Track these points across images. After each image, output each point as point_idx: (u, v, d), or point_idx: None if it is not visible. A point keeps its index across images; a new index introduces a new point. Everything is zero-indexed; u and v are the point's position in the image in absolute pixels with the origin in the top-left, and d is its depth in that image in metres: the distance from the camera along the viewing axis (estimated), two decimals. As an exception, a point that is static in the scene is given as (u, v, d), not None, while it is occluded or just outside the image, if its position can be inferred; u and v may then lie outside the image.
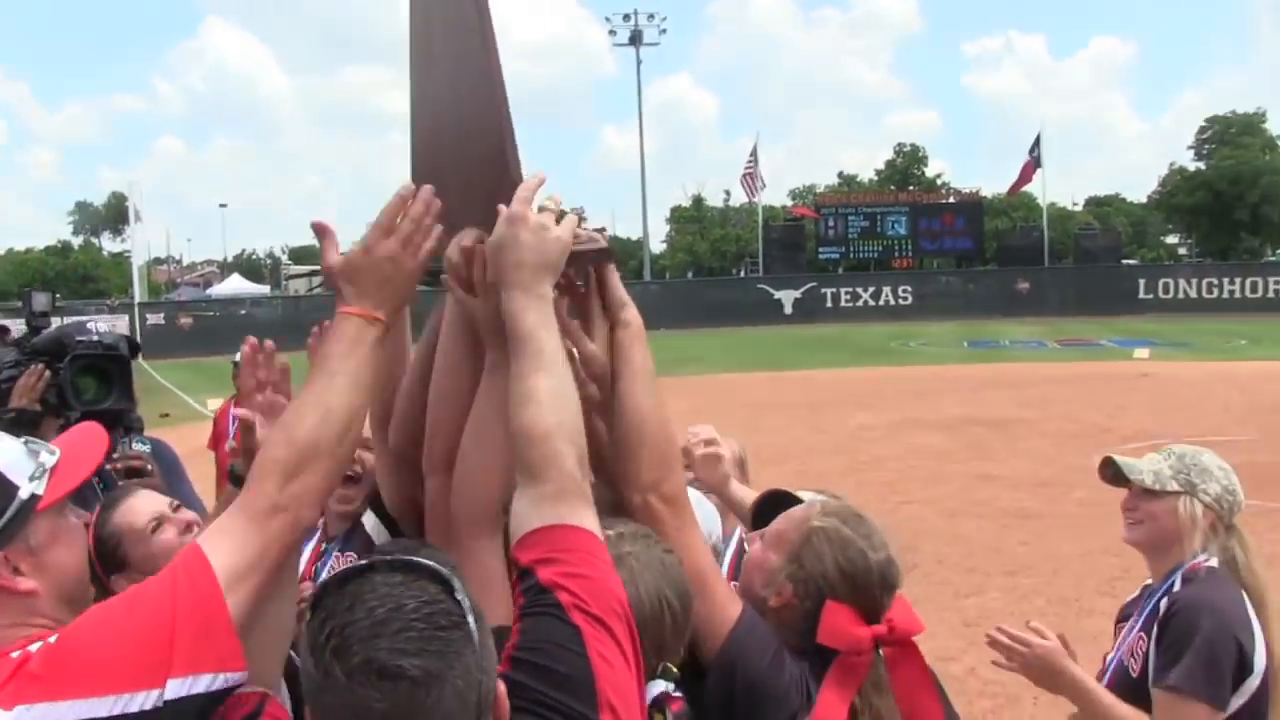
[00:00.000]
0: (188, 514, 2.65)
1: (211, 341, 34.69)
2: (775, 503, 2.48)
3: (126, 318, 39.91)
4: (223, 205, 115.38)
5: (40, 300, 3.89)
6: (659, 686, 1.83)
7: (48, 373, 3.24)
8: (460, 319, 2.09)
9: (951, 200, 59.41)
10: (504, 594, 1.82)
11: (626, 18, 61.85)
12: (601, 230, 2.13)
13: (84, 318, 3.84)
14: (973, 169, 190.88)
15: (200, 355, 33.80)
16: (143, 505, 2.59)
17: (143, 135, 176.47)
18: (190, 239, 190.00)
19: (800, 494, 2.67)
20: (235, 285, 59.18)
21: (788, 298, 50.80)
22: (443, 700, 1.34)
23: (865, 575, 2.06)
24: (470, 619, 1.38)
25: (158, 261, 79.83)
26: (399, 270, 1.85)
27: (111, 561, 2.45)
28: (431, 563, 1.41)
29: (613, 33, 62.63)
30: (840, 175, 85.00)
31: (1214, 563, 2.78)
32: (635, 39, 61.46)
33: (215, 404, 12.93)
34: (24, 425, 3.11)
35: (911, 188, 72.46)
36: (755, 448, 3.01)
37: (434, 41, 2.27)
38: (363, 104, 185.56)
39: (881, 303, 49.75)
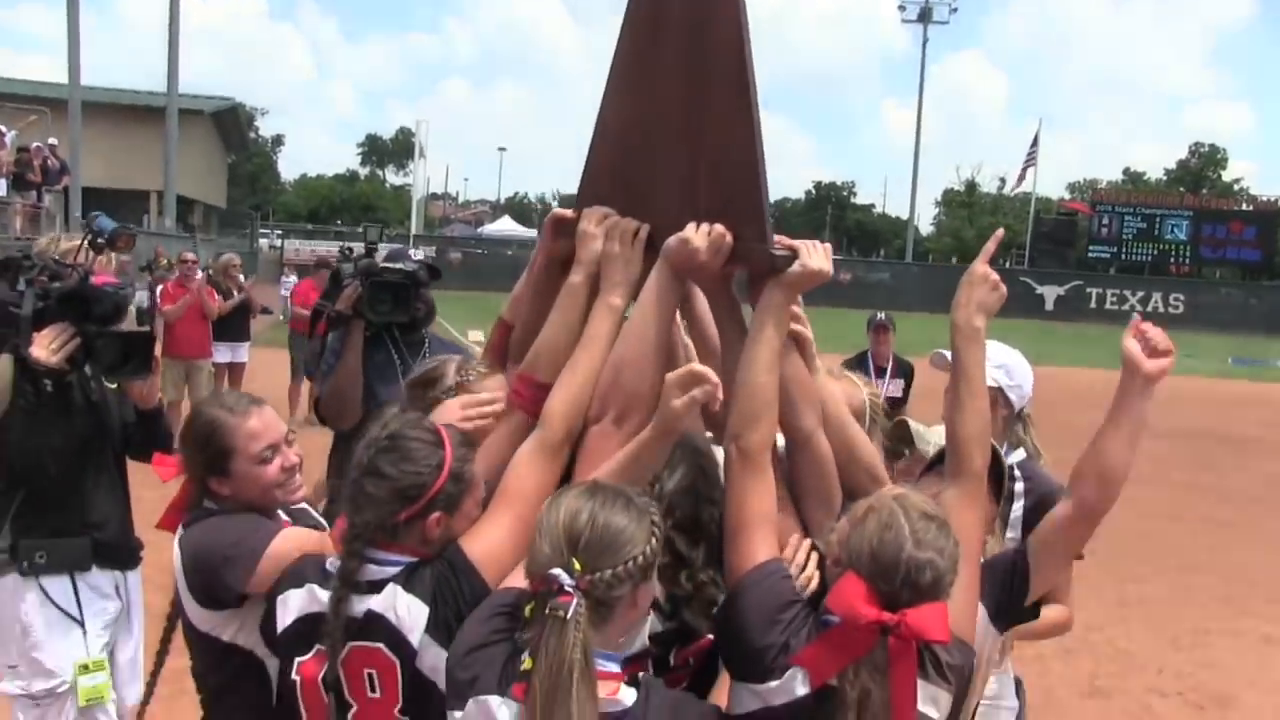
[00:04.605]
0: (296, 454, 2.72)
1: (478, 277, 36.82)
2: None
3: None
4: (501, 149, 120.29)
5: (372, 232, 5.17)
6: (552, 571, 1.89)
7: (361, 289, 4.22)
8: (671, 297, 2.40)
9: (1244, 207, 55.53)
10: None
11: (918, -6, 60.70)
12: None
13: (399, 245, 4.94)
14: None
15: (467, 290, 34.86)
16: (266, 427, 2.62)
17: (432, 75, 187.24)
18: (467, 178, 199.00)
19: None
20: (505, 226, 61.90)
21: (1050, 293, 49.14)
22: None
23: (891, 563, 2.00)
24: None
25: (435, 197, 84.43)
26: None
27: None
28: None
29: (902, 8, 61.58)
30: (1126, 172, 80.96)
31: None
32: (924, 16, 60.20)
33: (475, 335, 14.20)
34: (339, 323, 4.26)
35: (1204, 191, 68.07)
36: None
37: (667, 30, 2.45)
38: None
39: (1150, 308, 47.13)
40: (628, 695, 1.95)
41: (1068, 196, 74.43)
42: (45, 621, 3.52)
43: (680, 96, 2.43)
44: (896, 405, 7.69)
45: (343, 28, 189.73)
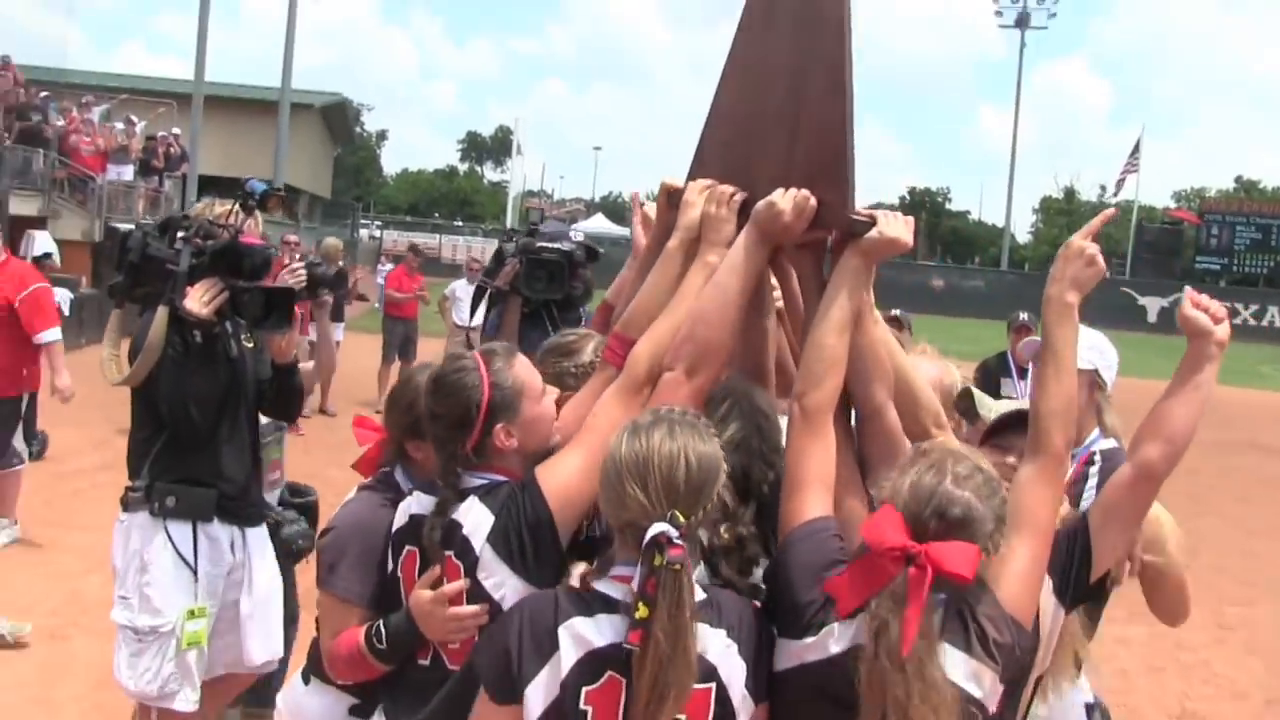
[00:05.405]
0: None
1: (569, 273, 36.88)
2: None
3: (496, 242, 43.32)
4: (597, 148, 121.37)
5: (535, 214, 5.33)
6: (658, 528, 1.98)
7: (520, 266, 4.34)
8: (756, 259, 2.49)
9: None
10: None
11: (1015, -1, 59.64)
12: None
13: (564, 225, 5.00)
14: None
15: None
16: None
17: (532, 75, 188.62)
18: (563, 176, 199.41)
19: None
20: (598, 224, 61.84)
21: (1153, 305, 47.78)
22: None
23: (924, 494, 2.03)
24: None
25: (531, 194, 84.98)
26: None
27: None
28: None
29: (999, 14, 60.56)
30: (1238, 180, 78.33)
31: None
32: (1021, 21, 59.06)
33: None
34: (497, 301, 4.38)
35: (1325, 201, 65.49)
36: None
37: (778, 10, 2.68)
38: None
39: (1264, 323, 45.70)
40: (697, 589, 2.07)
41: (1173, 205, 72.39)
42: (163, 563, 3.74)
43: (785, 84, 2.62)
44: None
45: (448, 30, 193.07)
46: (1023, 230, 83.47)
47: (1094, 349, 3.30)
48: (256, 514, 4.02)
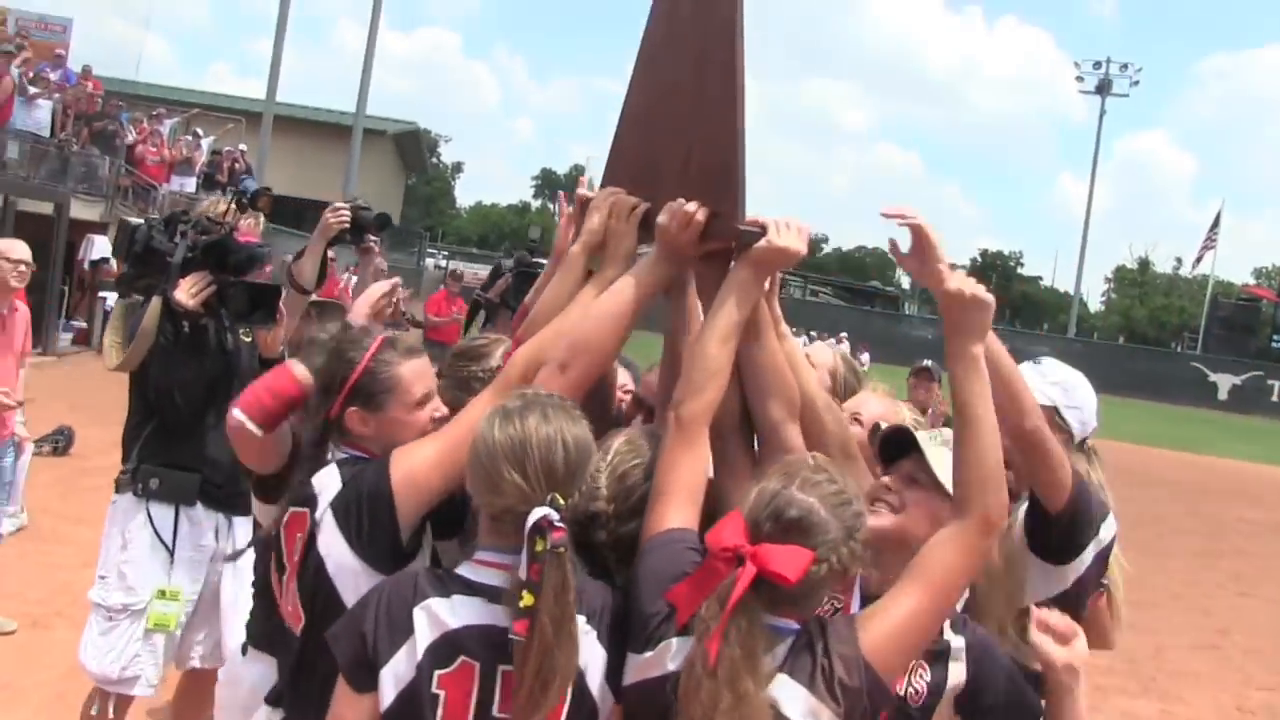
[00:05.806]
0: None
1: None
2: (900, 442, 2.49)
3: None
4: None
5: (534, 231, 5.50)
6: (540, 513, 1.96)
7: (511, 280, 4.53)
8: (658, 277, 2.45)
9: None
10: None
11: (1097, 65, 59.26)
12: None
13: None
14: None
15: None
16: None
17: (612, 115, 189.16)
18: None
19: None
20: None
21: (1224, 381, 46.84)
22: None
23: (766, 497, 1.99)
24: None
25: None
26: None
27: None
28: None
29: (1080, 79, 60.20)
30: (1321, 261, 76.64)
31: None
32: (1102, 88, 58.72)
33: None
34: (495, 310, 4.58)
35: None
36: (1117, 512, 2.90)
37: (685, 24, 2.64)
38: (819, 115, 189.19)
39: (1342, 408, 44.38)
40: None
41: (1253, 282, 70.91)
42: (141, 542, 3.90)
43: (682, 91, 2.61)
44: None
45: (530, 67, 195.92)
46: (1096, 299, 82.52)
47: (1057, 385, 2.95)
48: (244, 503, 4.03)
